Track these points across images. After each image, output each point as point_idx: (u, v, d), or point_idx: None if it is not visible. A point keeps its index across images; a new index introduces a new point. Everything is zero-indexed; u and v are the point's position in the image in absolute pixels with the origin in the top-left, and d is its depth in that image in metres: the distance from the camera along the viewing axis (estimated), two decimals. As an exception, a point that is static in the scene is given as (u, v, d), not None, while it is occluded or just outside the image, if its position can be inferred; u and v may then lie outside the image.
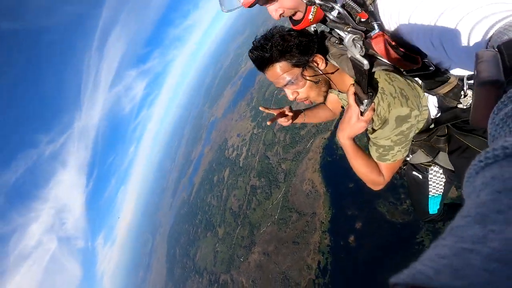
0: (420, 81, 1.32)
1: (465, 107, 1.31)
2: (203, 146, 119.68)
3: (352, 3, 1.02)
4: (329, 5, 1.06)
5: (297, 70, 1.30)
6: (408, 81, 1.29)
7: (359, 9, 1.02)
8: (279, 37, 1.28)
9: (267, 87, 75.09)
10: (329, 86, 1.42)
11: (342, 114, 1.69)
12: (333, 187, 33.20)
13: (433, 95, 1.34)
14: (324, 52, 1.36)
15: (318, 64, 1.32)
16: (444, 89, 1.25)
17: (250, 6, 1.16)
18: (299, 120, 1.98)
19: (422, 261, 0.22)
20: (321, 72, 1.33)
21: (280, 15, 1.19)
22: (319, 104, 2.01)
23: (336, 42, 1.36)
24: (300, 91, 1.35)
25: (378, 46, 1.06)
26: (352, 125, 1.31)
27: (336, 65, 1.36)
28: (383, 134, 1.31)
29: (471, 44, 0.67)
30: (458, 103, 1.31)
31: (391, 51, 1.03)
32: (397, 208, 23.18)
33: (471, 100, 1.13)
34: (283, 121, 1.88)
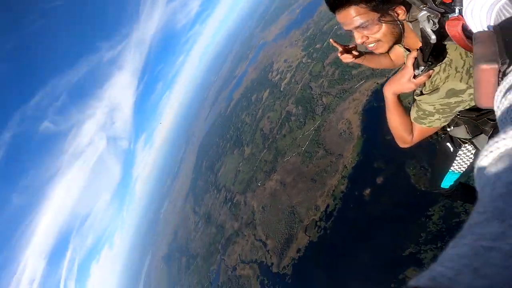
0: None
1: None
2: (248, 65, 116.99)
3: None
4: None
5: (375, 15, 1.21)
6: None
7: None
8: None
9: (327, 21, 67.79)
10: (399, 39, 1.34)
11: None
12: (369, 134, 31.35)
13: None
14: (406, 3, 1.27)
15: (398, 15, 1.24)
16: None
17: None
18: (359, 60, 1.88)
19: (442, 262, 0.21)
20: (399, 22, 1.26)
21: None
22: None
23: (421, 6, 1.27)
24: (371, 36, 1.29)
25: (451, 29, 1.03)
26: (401, 83, 1.36)
27: (410, 26, 1.32)
28: (429, 99, 1.34)
29: (481, 23, 0.68)
30: None
31: (463, 36, 1.00)
32: (425, 175, 21.51)
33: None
34: (345, 57, 1.81)
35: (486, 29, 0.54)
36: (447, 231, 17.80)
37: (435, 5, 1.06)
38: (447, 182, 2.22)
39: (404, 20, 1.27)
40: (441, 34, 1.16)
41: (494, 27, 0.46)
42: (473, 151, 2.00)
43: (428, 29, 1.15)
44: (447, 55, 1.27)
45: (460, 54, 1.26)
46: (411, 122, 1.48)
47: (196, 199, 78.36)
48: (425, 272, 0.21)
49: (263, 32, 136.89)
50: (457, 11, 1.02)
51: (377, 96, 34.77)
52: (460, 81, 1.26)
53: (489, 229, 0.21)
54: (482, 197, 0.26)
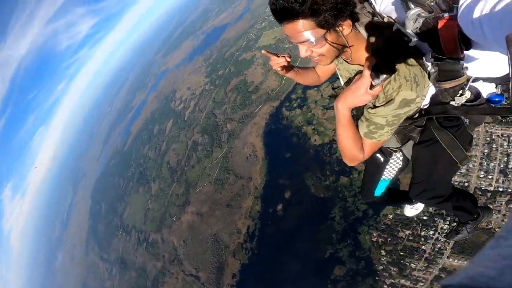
0: (433, 70, 1.33)
1: (456, 104, 1.39)
2: (147, 93, 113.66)
3: None
4: None
5: (321, 31, 1.22)
6: (422, 68, 1.31)
7: None
8: None
9: (229, 47, 72.28)
10: (341, 52, 1.36)
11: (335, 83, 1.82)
12: (271, 155, 35.08)
13: (436, 87, 1.38)
14: (353, 16, 1.30)
15: (343, 29, 1.25)
16: (451, 84, 1.30)
17: None
18: (291, 74, 1.88)
19: (481, 262, 0.20)
20: (343, 38, 1.27)
21: None
22: (309, 67, 2.04)
23: (369, 11, 1.33)
24: (316, 50, 1.29)
25: (446, 28, 1.03)
26: (357, 96, 1.28)
27: (364, 34, 1.34)
28: (383, 111, 1.33)
29: (506, 24, 0.68)
30: (451, 100, 1.39)
31: (456, 37, 1.02)
32: (321, 183, 25.95)
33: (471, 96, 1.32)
34: (278, 65, 1.76)
35: (508, 30, 0.54)
36: (350, 228, 21.13)
37: (441, 2, 1.05)
38: (380, 190, 2.27)
39: (348, 34, 1.28)
40: (418, 36, 1.17)
41: None
42: (401, 157, 2.08)
43: (409, 30, 1.14)
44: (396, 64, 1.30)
45: (405, 63, 1.28)
46: (361, 138, 1.43)
47: (101, 246, 68.73)
48: (460, 272, 0.20)
49: (165, 58, 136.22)
50: (455, 10, 1.01)
51: (274, 119, 39.28)
52: (411, 90, 1.27)
53: None
54: None
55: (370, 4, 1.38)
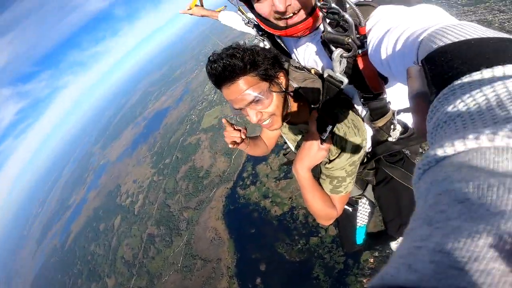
0: (364, 112, 1.35)
1: (394, 139, 1.40)
2: (87, 190, 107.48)
3: (360, 15, 0.95)
4: (336, 11, 0.98)
5: (265, 85, 1.21)
6: (355, 112, 1.34)
7: (363, 22, 0.96)
8: (244, 48, 1.19)
9: (174, 133, 76.14)
10: (287, 109, 1.33)
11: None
12: (236, 233, 36.11)
13: (372, 127, 1.39)
14: (283, 67, 1.32)
15: (281, 82, 1.27)
16: (382, 122, 1.31)
17: None
18: (242, 146, 1.72)
19: (389, 263, 0.25)
20: (283, 89, 1.27)
21: (287, 7, 1.08)
22: (257, 136, 2.05)
23: (296, 66, 1.37)
24: (265, 110, 1.25)
25: (364, 63, 1.03)
26: (313, 155, 1.26)
27: (294, 85, 1.33)
28: (339, 164, 1.31)
29: (405, 58, 0.69)
30: (388, 136, 1.40)
31: (375, 70, 1.01)
32: (293, 248, 26.97)
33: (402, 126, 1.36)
34: (231, 139, 1.63)
35: (413, 64, 0.57)
36: (337, 282, 21.53)
37: (356, 37, 1.00)
38: (360, 237, 2.33)
39: (286, 85, 1.28)
40: (349, 75, 1.14)
41: (421, 61, 0.49)
42: (367, 202, 2.19)
43: (337, 73, 1.13)
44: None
45: (340, 111, 1.29)
46: (329, 195, 1.37)
47: None
48: (377, 274, 0.25)
49: (105, 150, 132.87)
50: (365, 45, 0.99)
51: (231, 200, 41.26)
52: (355, 135, 1.26)
53: (420, 232, 0.26)
54: (417, 206, 0.31)
55: (294, 59, 1.45)
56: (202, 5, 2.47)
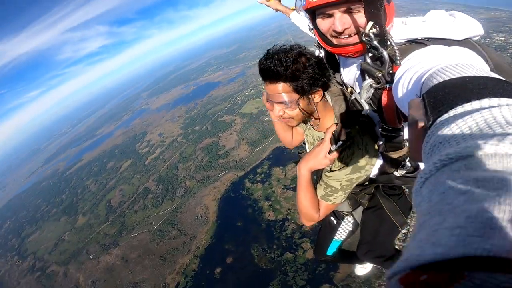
0: (381, 143, 1.45)
1: (399, 175, 1.54)
2: (117, 127, 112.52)
3: (398, 55, 1.08)
4: (381, 50, 1.11)
5: (295, 96, 1.36)
6: (373, 139, 1.44)
7: (399, 61, 1.08)
8: (297, 58, 1.33)
9: (214, 106, 76.13)
10: (308, 119, 1.52)
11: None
12: (223, 220, 34.77)
13: (383, 157, 1.53)
14: (329, 80, 1.45)
15: (314, 97, 1.41)
16: (395, 155, 1.43)
17: (313, 8, 1.21)
18: (281, 8, 2.54)
19: (406, 250, 0.29)
20: (313, 105, 1.44)
21: (345, 29, 1.19)
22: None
23: (338, 81, 1.52)
24: (288, 112, 1.43)
25: (387, 97, 1.14)
26: (318, 160, 1.42)
27: (330, 102, 1.50)
28: (337, 176, 1.47)
29: (412, 94, 0.79)
30: (395, 171, 1.54)
31: (393, 106, 1.12)
32: (266, 255, 26.07)
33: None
34: None
35: (416, 97, 0.67)
36: None
37: (388, 72, 1.13)
38: (332, 249, 2.49)
39: (318, 102, 1.43)
40: (374, 104, 1.27)
41: (422, 95, 0.58)
42: (352, 221, 2.30)
43: (363, 99, 1.27)
44: (351, 133, 1.41)
45: (358, 133, 1.41)
46: (318, 200, 1.55)
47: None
48: (398, 261, 0.28)
49: (150, 98, 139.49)
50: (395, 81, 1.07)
51: (235, 187, 39.87)
52: (362, 157, 1.41)
53: (434, 221, 0.30)
54: (420, 209, 0.37)
55: (340, 74, 1.58)
56: (280, 0, 2.60)
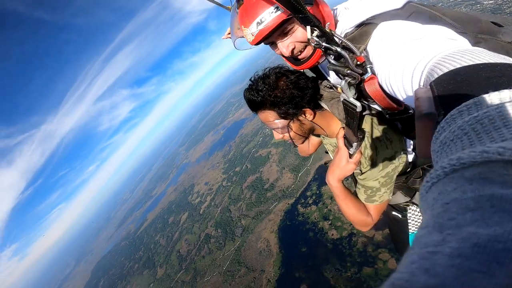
0: (399, 126, 1.36)
1: None
2: (167, 185, 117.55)
3: (352, 46, 1.03)
4: (333, 48, 1.05)
5: (284, 121, 1.33)
6: (390, 125, 1.35)
7: (358, 52, 1.03)
8: (276, 83, 1.29)
9: (247, 144, 77.78)
10: (313, 131, 1.46)
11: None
12: (287, 249, 33.93)
13: (410, 139, 1.41)
14: (317, 92, 1.38)
15: (306, 117, 1.35)
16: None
17: (257, 44, 1.18)
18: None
19: (397, 270, 0.24)
20: (309, 123, 1.39)
21: (292, 50, 1.18)
22: None
23: (327, 86, 1.41)
24: (286, 135, 1.40)
25: (370, 88, 1.05)
26: (342, 168, 1.33)
27: (327, 108, 1.39)
28: (371, 175, 1.34)
29: (413, 82, 0.71)
30: None
31: (381, 93, 1.03)
32: (341, 275, 24.49)
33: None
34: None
35: (421, 87, 0.55)
36: None
37: (355, 66, 1.06)
38: None
39: (313, 118, 1.37)
40: (362, 101, 1.19)
41: (430, 84, 0.50)
42: (418, 209, 2.10)
43: (351, 98, 1.16)
44: (365, 127, 1.33)
45: (372, 125, 1.33)
46: (364, 203, 1.42)
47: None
48: (385, 282, 0.23)
49: (188, 152, 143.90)
50: (369, 70, 1.03)
51: (289, 216, 39.46)
52: (387, 148, 1.30)
53: (432, 238, 0.25)
54: (424, 217, 0.31)
55: (327, 79, 1.49)
56: None
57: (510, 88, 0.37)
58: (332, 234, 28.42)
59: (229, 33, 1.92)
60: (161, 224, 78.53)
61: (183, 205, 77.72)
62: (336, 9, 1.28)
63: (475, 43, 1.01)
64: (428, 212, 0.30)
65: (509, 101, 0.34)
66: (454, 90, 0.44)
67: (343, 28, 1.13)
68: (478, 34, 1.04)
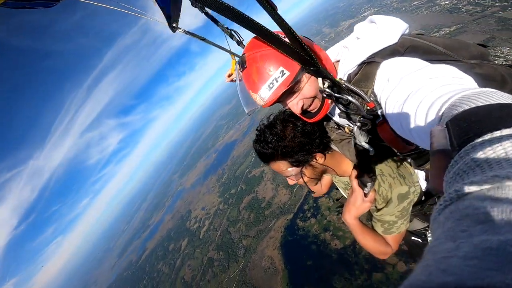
0: (409, 160, 1.36)
1: None
2: (164, 213, 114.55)
3: (362, 93, 1.02)
4: (344, 97, 1.05)
5: (296, 169, 1.33)
6: (401, 161, 1.37)
7: (368, 99, 1.01)
8: (284, 132, 1.27)
9: (239, 165, 77.36)
10: (325, 173, 1.45)
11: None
12: (292, 264, 33.42)
13: (422, 170, 1.41)
14: (325, 136, 1.38)
15: (317, 160, 1.35)
16: (429, 166, 1.28)
17: (270, 105, 1.12)
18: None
19: (412, 274, 0.24)
20: (321, 166, 1.38)
21: (302, 107, 1.14)
22: None
23: (335, 127, 1.42)
24: (300, 180, 1.39)
25: (384, 134, 1.05)
26: (358, 207, 1.35)
27: (337, 149, 1.41)
28: (388, 211, 1.36)
29: (428, 123, 0.70)
30: None
31: (395, 137, 1.02)
32: (352, 284, 23.90)
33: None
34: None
35: (437, 126, 0.57)
36: None
37: (366, 113, 1.05)
38: None
39: (324, 161, 1.36)
40: (373, 144, 1.21)
41: (446, 122, 0.51)
42: None
43: (363, 142, 1.19)
44: (376, 167, 1.35)
45: (384, 163, 1.35)
46: (381, 235, 1.42)
47: None
48: (403, 283, 0.24)
49: (182, 179, 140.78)
50: (379, 114, 1.02)
51: (290, 231, 39.14)
52: (401, 184, 1.31)
53: (445, 247, 0.26)
54: (435, 234, 0.32)
55: (333, 120, 1.45)
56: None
57: None
58: (335, 244, 28.08)
59: (230, 75, 2.07)
60: (161, 252, 76.03)
61: (182, 231, 75.78)
62: (333, 48, 1.31)
63: (470, 68, 1.03)
64: (439, 230, 0.31)
65: None
66: (468, 127, 0.45)
67: (345, 69, 1.14)
68: (472, 60, 1.07)
